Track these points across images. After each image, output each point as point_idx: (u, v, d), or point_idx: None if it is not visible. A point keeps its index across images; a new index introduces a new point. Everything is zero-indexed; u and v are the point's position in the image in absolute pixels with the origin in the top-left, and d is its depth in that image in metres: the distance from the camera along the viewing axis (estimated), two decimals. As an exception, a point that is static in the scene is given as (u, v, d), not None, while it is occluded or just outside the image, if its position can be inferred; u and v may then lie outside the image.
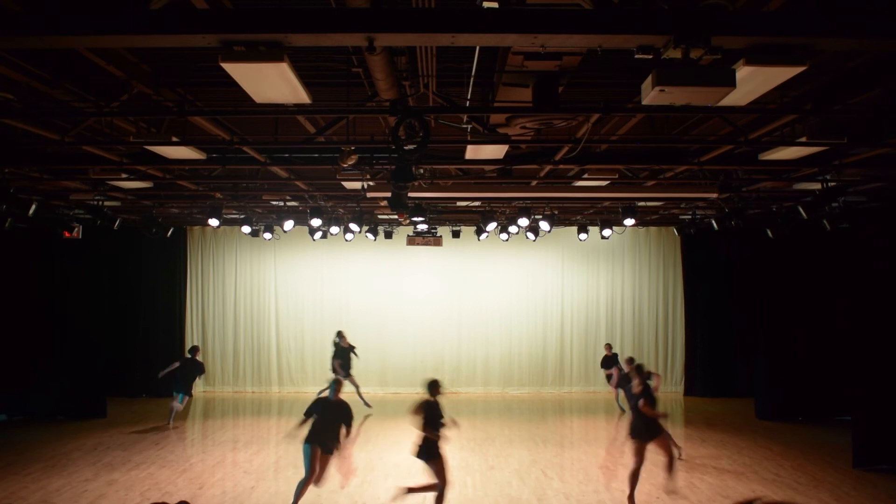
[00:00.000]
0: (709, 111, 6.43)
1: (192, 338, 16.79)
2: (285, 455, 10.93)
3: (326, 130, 7.26)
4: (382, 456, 10.91)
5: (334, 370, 14.24)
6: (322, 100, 6.14)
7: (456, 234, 15.90)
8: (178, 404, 12.93)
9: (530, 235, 13.67)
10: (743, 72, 3.90)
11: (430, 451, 7.66)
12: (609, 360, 14.74)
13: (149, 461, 10.48)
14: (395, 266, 17.02)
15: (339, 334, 14.73)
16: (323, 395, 8.45)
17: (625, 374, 12.74)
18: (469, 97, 6.09)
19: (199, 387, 16.64)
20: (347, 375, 14.24)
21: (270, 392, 16.75)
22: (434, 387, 7.81)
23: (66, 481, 9.41)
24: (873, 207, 10.96)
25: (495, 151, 7.63)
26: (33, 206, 9.95)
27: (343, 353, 14.51)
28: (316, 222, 11.84)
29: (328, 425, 8.00)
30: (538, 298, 17.09)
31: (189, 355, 13.43)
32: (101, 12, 3.65)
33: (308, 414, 8.02)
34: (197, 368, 13.33)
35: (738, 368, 15.67)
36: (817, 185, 9.46)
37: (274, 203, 12.32)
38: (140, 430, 12.72)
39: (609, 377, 14.69)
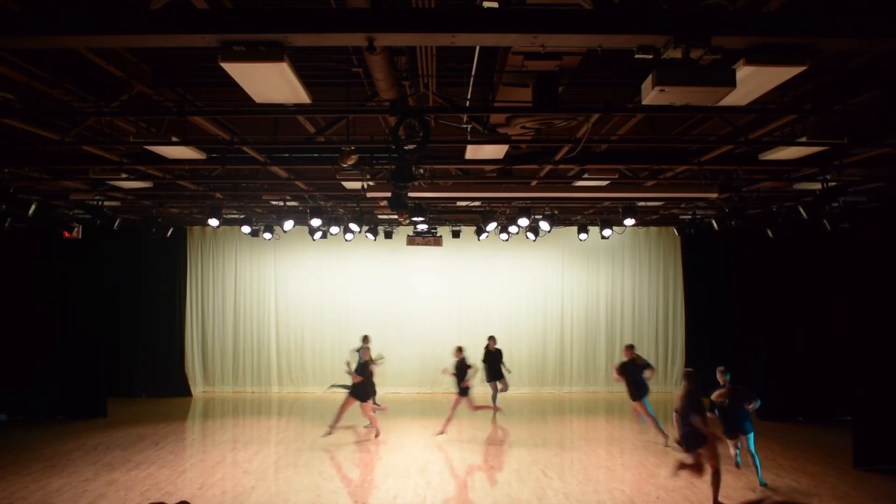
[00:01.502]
0: (709, 111, 6.42)
1: (191, 337, 16.78)
2: (285, 455, 10.93)
3: (326, 130, 7.26)
4: (383, 456, 10.92)
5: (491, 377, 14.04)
6: (322, 100, 6.14)
7: (456, 234, 15.89)
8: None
9: (530, 235, 13.67)
10: (743, 72, 3.90)
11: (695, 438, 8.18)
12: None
13: (149, 461, 10.48)
14: (395, 266, 17.01)
15: (491, 338, 14.35)
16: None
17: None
18: (469, 97, 6.08)
19: (199, 386, 16.70)
20: (493, 380, 14.03)
21: (270, 392, 16.74)
22: (690, 377, 8.38)
23: (66, 481, 9.41)
24: (873, 207, 10.95)
25: (495, 151, 7.63)
26: (33, 206, 9.96)
27: (492, 358, 14.14)
28: (316, 222, 11.83)
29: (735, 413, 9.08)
30: (538, 298, 17.08)
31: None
32: (101, 12, 3.65)
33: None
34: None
35: (737, 368, 15.63)
36: (817, 185, 9.45)
37: (274, 203, 12.32)
38: (140, 429, 12.72)
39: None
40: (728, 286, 16.10)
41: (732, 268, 15.99)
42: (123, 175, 9.21)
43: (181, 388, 16.36)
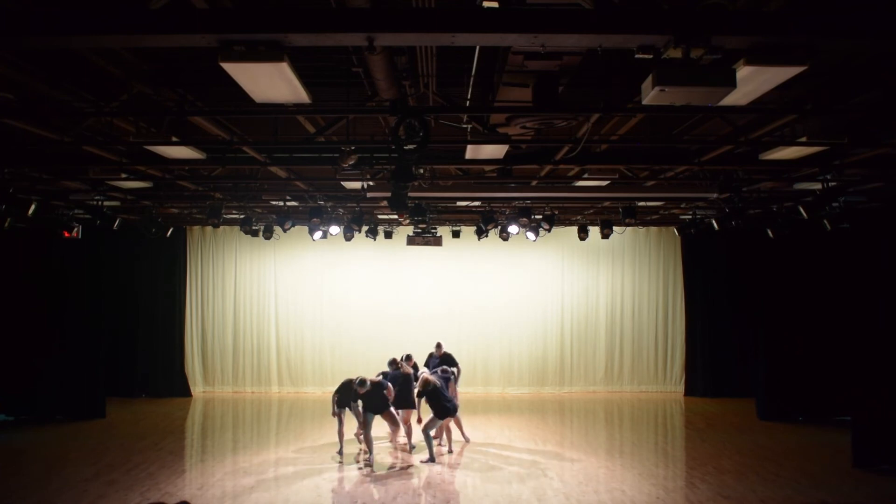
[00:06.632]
0: (709, 111, 6.42)
1: (191, 337, 16.76)
2: (285, 455, 10.93)
3: (326, 130, 7.26)
4: (383, 457, 10.91)
5: None
6: (322, 100, 6.13)
7: (456, 234, 15.88)
8: None
9: (530, 235, 13.66)
10: (743, 72, 3.90)
11: None
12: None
13: (148, 461, 10.48)
14: (395, 266, 17.01)
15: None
16: None
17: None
18: (469, 97, 6.08)
19: (198, 387, 16.69)
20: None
21: (270, 392, 16.74)
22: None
23: (65, 481, 9.40)
24: (873, 207, 10.95)
25: (495, 151, 7.63)
26: (32, 206, 9.94)
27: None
28: (316, 222, 11.83)
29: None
30: (538, 298, 17.07)
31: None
32: (101, 12, 3.65)
33: None
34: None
35: (738, 368, 15.66)
36: (818, 185, 9.45)
37: (274, 203, 12.32)
38: (140, 429, 12.71)
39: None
40: (728, 286, 16.10)
41: (732, 268, 15.99)
42: (123, 175, 9.21)
43: (181, 389, 16.35)
